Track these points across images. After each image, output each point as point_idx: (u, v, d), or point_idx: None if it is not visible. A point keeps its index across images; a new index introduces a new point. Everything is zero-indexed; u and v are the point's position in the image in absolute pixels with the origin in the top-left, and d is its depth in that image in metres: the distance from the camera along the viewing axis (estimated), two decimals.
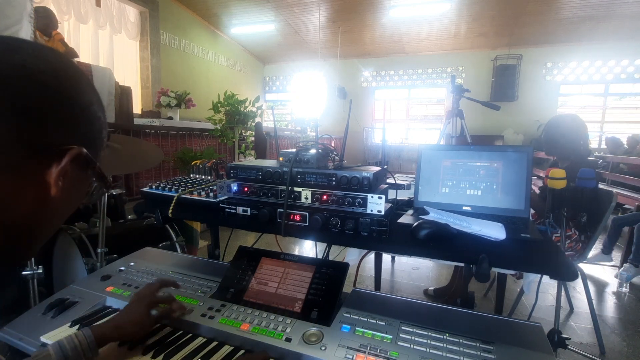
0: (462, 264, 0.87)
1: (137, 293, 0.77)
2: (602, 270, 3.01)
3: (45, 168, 0.37)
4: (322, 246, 1.25)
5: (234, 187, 1.03)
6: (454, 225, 0.89)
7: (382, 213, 0.87)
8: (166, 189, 1.14)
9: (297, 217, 0.91)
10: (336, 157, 1.07)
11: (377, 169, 0.97)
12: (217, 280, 0.90)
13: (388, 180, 1.11)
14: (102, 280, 0.94)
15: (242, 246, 0.96)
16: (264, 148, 4.35)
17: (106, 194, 1.57)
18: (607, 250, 2.98)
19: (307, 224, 0.90)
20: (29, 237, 0.40)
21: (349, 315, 0.76)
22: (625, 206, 3.98)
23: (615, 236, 2.99)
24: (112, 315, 0.76)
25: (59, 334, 0.73)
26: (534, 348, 0.64)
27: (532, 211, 1.68)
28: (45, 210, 0.39)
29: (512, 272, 1.36)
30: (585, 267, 3.00)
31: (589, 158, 2.11)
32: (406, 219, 1.01)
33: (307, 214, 0.90)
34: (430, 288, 2.48)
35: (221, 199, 1.01)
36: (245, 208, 0.96)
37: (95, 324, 0.70)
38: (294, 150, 1.01)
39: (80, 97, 0.41)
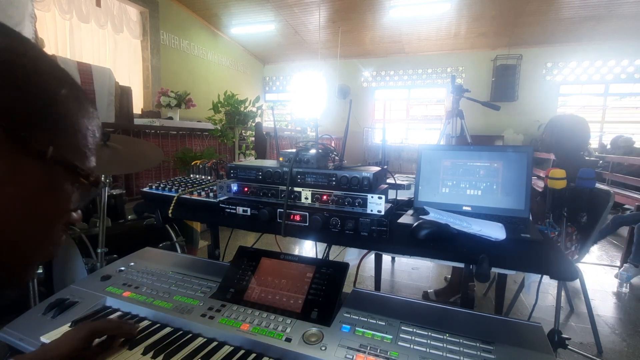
0: (461, 265, 0.87)
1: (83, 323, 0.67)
2: (602, 270, 3.01)
3: None
4: (322, 246, 1.25)
5: (234, 187, 1.03)
6: (454, 225, 0.89)
7: (382, 213, 0.87)
8: (166, 189, 1.14)
9: (297, 217, 0.91)
10: (336, 157, 1.07)
11: (377, 169, 0.97)
12: (217, 281, 0.90)
13: (388, 180, 1.11)
14: (102, 280, 0.94)
15: (242, 246, 0.96)
16: (264, 148, 4.34)
17: (106, 195, 1.56)
18: (636, 261, 2.68)
19: (307, 224, 0.90)
20: None
21: (349, 316, 0.76)
22: (625, 206, 3.98)
23: (607, 233, 2.97)
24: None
25: (58, 334, 0.72)
26: (534, 348, 0.64)
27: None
28: None
29: (512, 272, 1.36)
30: (585, 267, 3.00)
31: (588, 158, 2.12)
32: (406, 219, 1.01)
33: (307, 214, 0.90)
34: (429, 290, 2.46)
35: (221, 199, 1.01)
36: (245, 208, 0.96)
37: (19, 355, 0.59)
38: (294, 150, 1.01)
39: None
